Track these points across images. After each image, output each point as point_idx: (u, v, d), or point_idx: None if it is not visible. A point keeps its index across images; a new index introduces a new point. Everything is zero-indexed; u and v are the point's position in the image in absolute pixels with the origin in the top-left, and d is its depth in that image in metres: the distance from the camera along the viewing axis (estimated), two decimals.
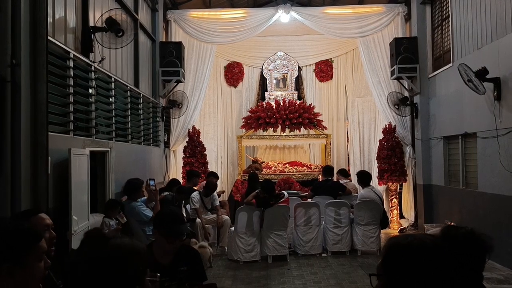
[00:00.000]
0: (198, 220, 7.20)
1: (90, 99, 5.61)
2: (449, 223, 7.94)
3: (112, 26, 5.68)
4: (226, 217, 7.77)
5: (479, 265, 1.87)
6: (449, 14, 8.26)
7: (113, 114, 6.45)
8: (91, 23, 5.77)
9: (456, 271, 1.29)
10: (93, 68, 5.64)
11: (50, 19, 4.62)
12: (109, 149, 6.03)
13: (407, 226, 9.50)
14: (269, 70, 11.58)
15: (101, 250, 1.34)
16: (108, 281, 1.28)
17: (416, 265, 1.28)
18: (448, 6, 8.28)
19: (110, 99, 6.40)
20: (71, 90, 5.01)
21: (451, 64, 8.03)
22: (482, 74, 6.39)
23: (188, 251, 3.02)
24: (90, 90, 5.61)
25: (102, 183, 6.06)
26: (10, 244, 1.50)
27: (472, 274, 1.81)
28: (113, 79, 6.43)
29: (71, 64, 5.00)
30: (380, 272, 1.35)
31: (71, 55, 5.00)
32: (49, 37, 4.23)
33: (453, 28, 8.05)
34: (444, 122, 8.44)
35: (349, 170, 10.90)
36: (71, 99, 5.01)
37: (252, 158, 10.87)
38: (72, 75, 5.01)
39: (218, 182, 9.63)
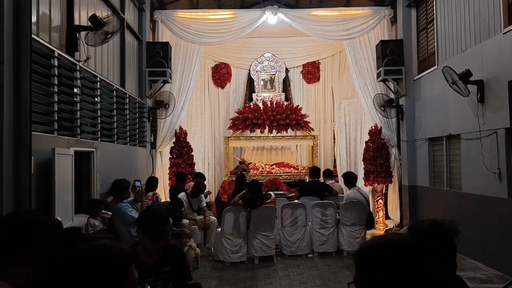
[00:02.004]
0: (186, 220, 7.15)
1: (75, 99, 5.55)
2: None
3: (96, 24, 5.61)
4: (213, 218, 7.75)
5: (451, 252, 1.89)
6: (434, 17, 8.38)
7: (99, 114, 6.39)
8: (76, 22, 5.72)
9: (427, 262, 1.30)
10: (78, 67, 5.58)
11: (34, 18, 4.56)
12: (94, 149, 5.97)
13: (393, 227, 9.58)
14: (256, 72, 11.60)
15: (82, 250, 1.27)
16: (86, 284, 1.22)
17: (385, 261, 1.29)
18: (433, 10, 8.40)
19: (96, 99, 6.34)
20: (56, 89, 4.96)
21: (435, 67, 8.14)
22: (465, 76, 6.50)
23: (173, 251, 3.00)
24: (75, 90, 5.55)
25: (87, 184, 6.00)
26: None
27: (444, 263, 1.83)
28: (98, 79, 6.37)
29: (56, 63, 4.94)
30: (356, 278, 1.36)
31: (56, 54, 4.94)
32: (33, 36, 4.17)
33: (438, 31, 8.16)
34: (429, 124, 8.55)
35: (335, 171, 10.98)
36: (56, 98, 4.95)
37: (239, 159, 10.87)
38: (56, 74, 4.95)
39: (205, 183, 9.61)
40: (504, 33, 5.91)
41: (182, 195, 7.42)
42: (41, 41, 4.63)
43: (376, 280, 1.29)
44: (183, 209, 7.03)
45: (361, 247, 1.40)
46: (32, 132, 4.01)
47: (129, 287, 1.29)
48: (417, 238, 1.78)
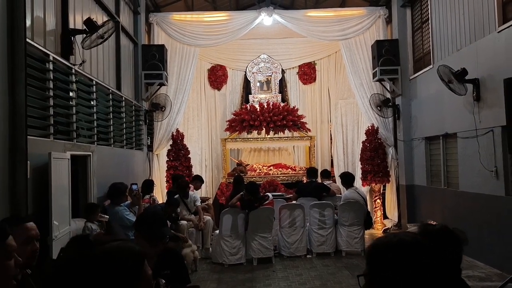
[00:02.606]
0: (184, 222, 7.12)
1: (70, 102, 5.53)
2: (431, 222, 8.05)
3: (91, 27, 5.60)
4: (207, 218, 7.68)
5: (457, 258, 1.96)
6: (428, 17, 8.40)
7: (95, 117, 6.37)
8: (71, 26, 5.70)
9: (436, 264, 1.32)
10: (73, 71, 5.57)
11: (28, 22, 4.55)
12: (90, 153, 5.96)
13: (391, 227, 9.58)
14: (252, 73, 11.61)
15: (97, 255, 1.27)
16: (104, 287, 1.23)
17: (395, 260, 1.31)
18: (428, 9, 8.42)
19: (92, 102, 6.32)
20: (51, 93, 4.94)
21: (431, 66, 8.16)
22: (461, 75, 6.51)
23: (171, 254, 2.99)
24: (71, 93, 5.54)
25: (84, 188, 5.98)
26: None
27: (450, 268, 1.88)
28: (94, 82, 6.36)
29: (51, 67, 4.92)
30: (365, 272, 1.38)
31: (51, 58, 4.92)
32: (27, 40, 4.17)
33: (433, 31, 8.18)
34: (425, 123, 8.56)
35: (333, 171, 10.99)
36: (51, 103, 4.94)
37: (237, 161, 10.86)
38: (52, 78, 4.93)
39: (203, 186, 9.59)
40: (498, 32, 5.93)
41: (177, 196, 7.37)
42: (35, 45, 4.62)
43: (380, 279, 1.32)
44: (179, 209, 7.00)
45: (374, 242, 1.43)
46: (28, 137, 4.00)
47: (145, 285, 1.30)
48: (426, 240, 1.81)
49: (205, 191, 10.34)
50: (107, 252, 1.28)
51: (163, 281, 1.94)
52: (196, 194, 7.85)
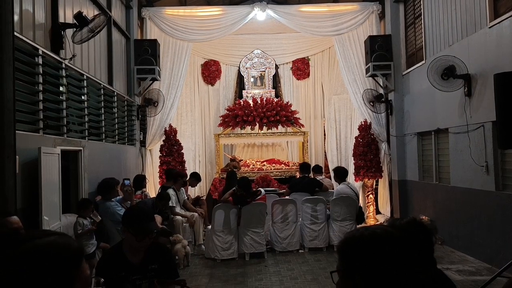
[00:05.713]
0: (179, 217, 7.10)
1: (61, 97, 5.49)
2: (423, 217, 8.09)
3: (82, 21, 5.56)
4: (195, 214, 7.63)
5: (428, 248, 1.98)
6: (421, 13, 8.41)
7: (86, 112, 6.34)
8: (61, 19, 5.66)
9: (408, 255, 1.32)
10: (63, 65, 5.52)
11: (17, 16, 4.51)
12: (81, 148, 5.93)
13: (384, 222, 9.62)
14: (246, 68, 11.59)
15: (27, 250, 1.16)
16: (34, 285, 1.13)
17: (368, 252, 1.31)
18: (420, 5, 8.43)
19: (83, 97, 6.28)
20: (41, 88, 4.90)
21: (423, 61, 8.18)
22: (451, 70, 6.54)
23: (160, 249, 2.99)
24: (61, 88, 5.50)
25: (75, 183, 5.95)
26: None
27: (423, 258, 1.91)
28: (85, 77, 6.31)
29: (40, 61, 4.89)
30: (338, 267, 1.37)
31: (40, 52, 4.89)
32: (16, 34, 4.12)
33: (425, 26, 8.19)
34: (417, 118, 8.59)
35: (327, 167, 11.01)
36: (41, 97, 4.90)
37: (230, 157, 10.85)
38: (41, 72, 4.90)
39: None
40: (490, 27, 5.95)
41: (171, 191, 7.31)
42: (24, 39, 4.58)
43: (353, 271, 1.31)
44: (173, 203, 6.98)
45: (346, 236, 1.42)
46: (17, 132, 3.97)
47: (80, 285, 1.20)
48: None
49: (199, 187, 10.30)
50: (36, 249, 1.16)
51: (102, 279, 1.86)
52: (182, 189, 7.81)
